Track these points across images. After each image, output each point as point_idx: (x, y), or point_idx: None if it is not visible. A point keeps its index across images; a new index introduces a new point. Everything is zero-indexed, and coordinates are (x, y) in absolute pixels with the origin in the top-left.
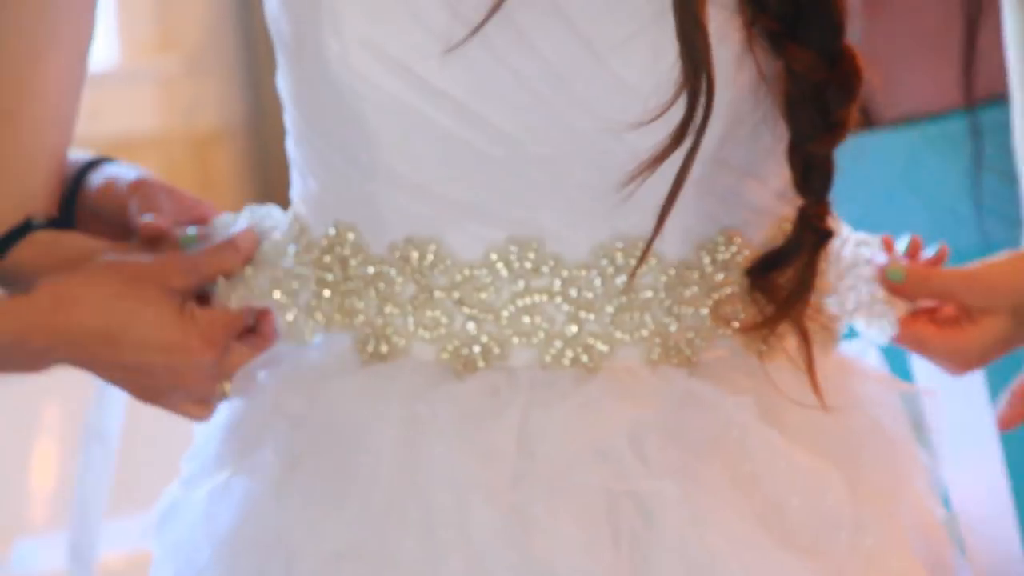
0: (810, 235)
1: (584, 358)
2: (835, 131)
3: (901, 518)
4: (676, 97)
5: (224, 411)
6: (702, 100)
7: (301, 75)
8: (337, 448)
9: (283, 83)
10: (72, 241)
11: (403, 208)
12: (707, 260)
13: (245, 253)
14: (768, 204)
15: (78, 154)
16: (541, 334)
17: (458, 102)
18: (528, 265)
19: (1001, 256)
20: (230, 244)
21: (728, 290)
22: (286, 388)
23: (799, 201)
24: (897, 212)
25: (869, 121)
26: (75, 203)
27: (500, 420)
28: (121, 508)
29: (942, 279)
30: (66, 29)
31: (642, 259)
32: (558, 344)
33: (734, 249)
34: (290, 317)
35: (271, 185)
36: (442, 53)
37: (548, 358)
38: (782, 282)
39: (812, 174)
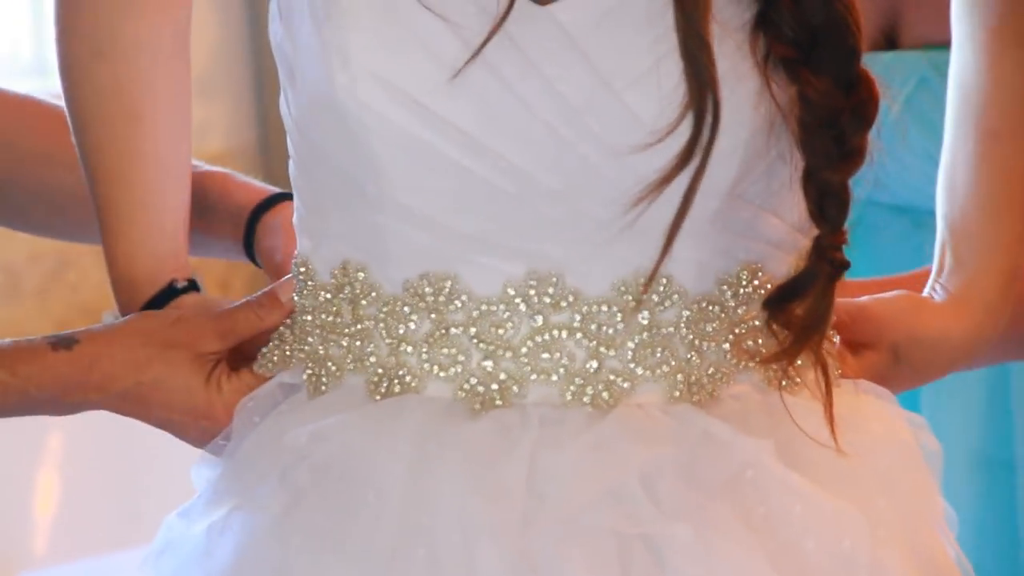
0: (826, 265)
1: (605, 395)
2: (851, 159)
3: (918, 559)
4: (682, 117)
5: (230, 447)
6: (708, 120)
7: (306, 104)
8: (341, 484)
9: (286, 109)
10: (215, 303)
11: (412, 241)
12: (728, 295)
13: (288, 308)
14: (786, 238)
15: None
16: (561, 371)
17: (467, 134)
18: (547, 300)
19: (892, 293)
20: (274, 300)
21: (749, 324)
22: (291, 423)
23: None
24: (896, 139)
25: (892, 43)
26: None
27: (509, 460)
28: (122, 541)
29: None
30: (162, 85)
31: (649, 282)
32: (578, 381)
33: (756, 283)
34: (309, 372)
35: None
36: (450, 83)
37: (568, 395)
38: (799, 313)
39: (827, 202)
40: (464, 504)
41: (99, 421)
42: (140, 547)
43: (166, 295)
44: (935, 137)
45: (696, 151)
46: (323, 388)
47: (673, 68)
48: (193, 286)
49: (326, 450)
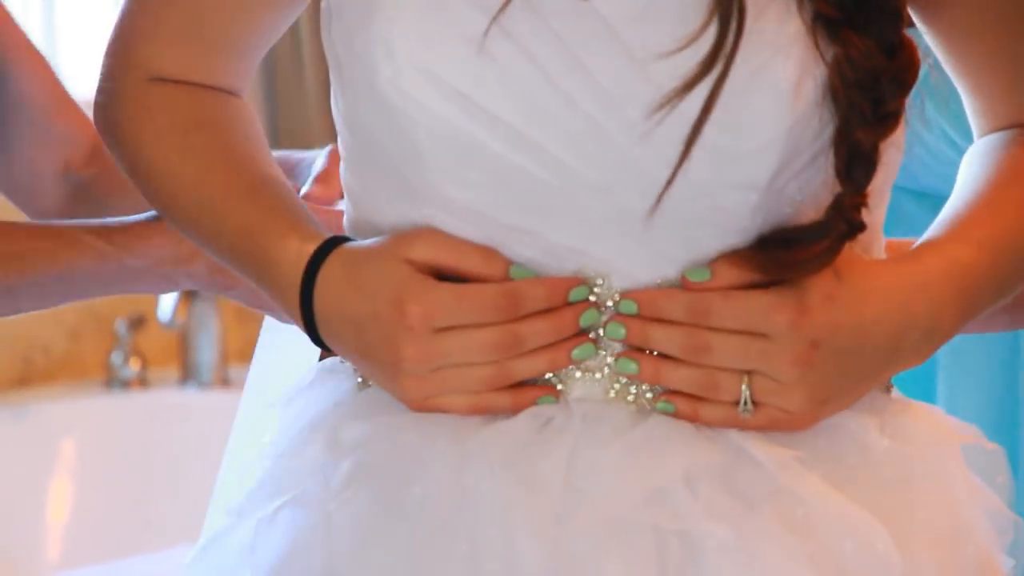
0: (842, 224)
1: (648, 395)
2: (886, 122)
3: (961, 567)
4: (708, 22)
5: (272, 442)
6: (733, 24)
7: (353, 99)
8: (386, 482)
9: (336, 108)
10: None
11: (458, 235)
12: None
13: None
14: None
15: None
16: (605, 369)
17: (509, 126)
18: (592, 299)
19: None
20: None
21: None
22: (337, 420)
23: (861, 237)
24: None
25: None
26: None
27: (550, 455)
28: (137, 547)
29: None
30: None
31: (668, 185)
32: (622, 380)
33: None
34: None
35: None
36: (493, 75)
37: (611, 394)
38: (797, 259)
39: (856, 163)
40: (504, 499)
41: (113, 427)
42: (154, 552)
43: (330, 243)
44: (952, 119)
45: (720, 57)
46: (371, 382)
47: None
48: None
49: (372, 448)
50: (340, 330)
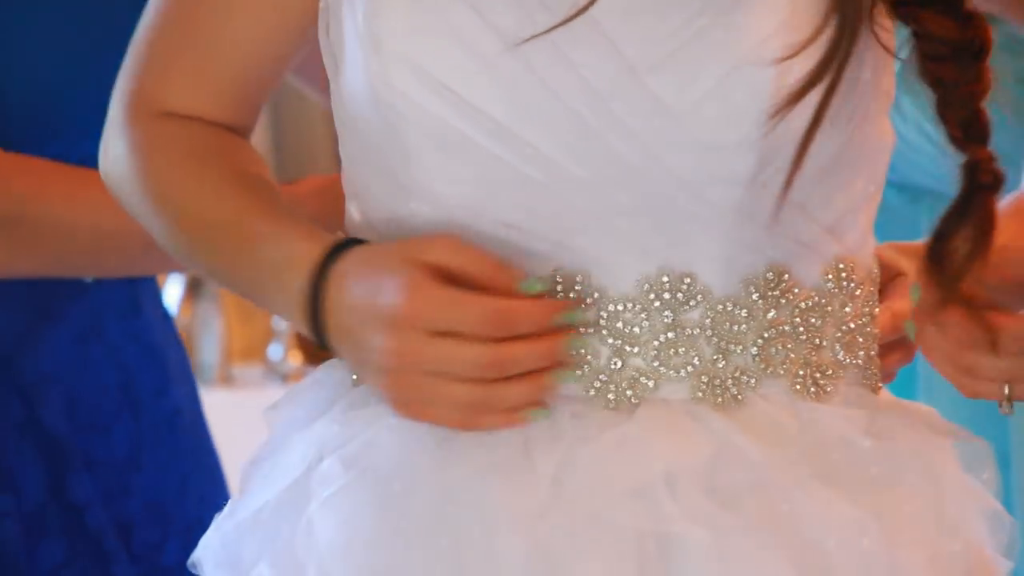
0: (988, 177)
1: (628, 392)
2: (980, 84)
3: (950, 565)
4: (825, 23)
5: (260, 443)
6: (848, 32)
7: (347, 96)
8: (370, 479)
9: (334, 106)
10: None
11: (443, 230)
12: (755, 296)
13: None
14: (817, 239)
15: None
16: (585, 368)
17: (496, 122)
18: (573, 297)
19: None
20: None
21: (779, 330)
22: (322, 420)
23: (849, 238)
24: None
25: None
26: None
27: (539, 453)
28: None
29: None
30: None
31: (796, 164)
32: (602, 378)
33: (783, 286)
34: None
35: None
36: (480, 71)
37: (592, 392)
38: (957, 244)
39: (972, 123)
40: (487, 495)
41: None
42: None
43: (340, 246)
44: (928, 112)
45: (833, 62)
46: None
47: (700, 56)
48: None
49: (356, 442)
50: (341, 321)
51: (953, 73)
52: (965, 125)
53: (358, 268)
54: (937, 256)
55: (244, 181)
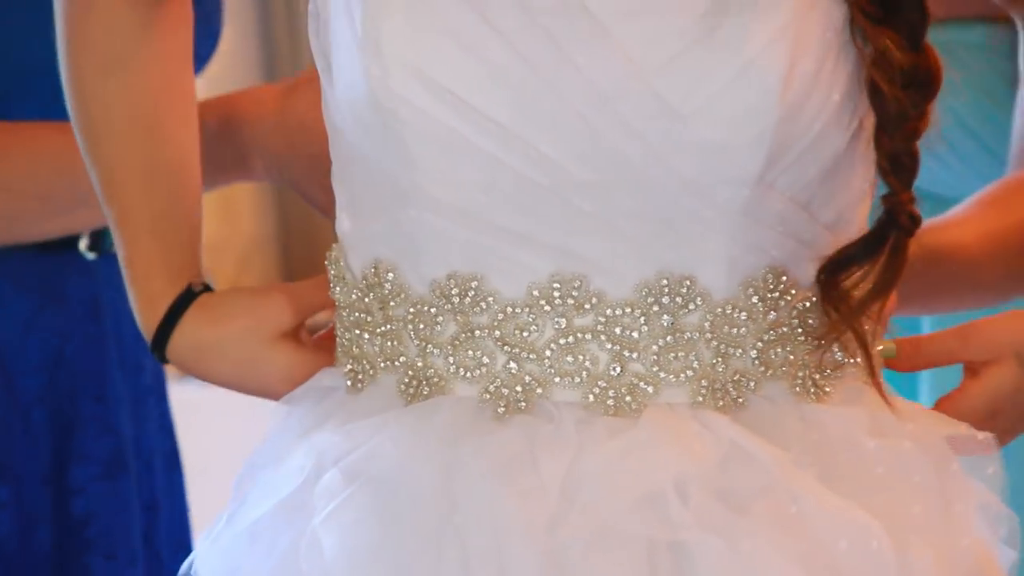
0: (905, 219)
1: (628, 399)
2: (921, 118)
3: (958, 565)
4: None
5: (257, 451)
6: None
7: (342, 100)
8: (375, 488)
9: (326, 112)
10: (236, 299)
11: (442, 235)
12: (755, 299)
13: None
14: (817, 237)
15: None
16: (584, 374)
17: (501, 125)
18: (571, 302)
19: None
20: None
21: (778, 332)
22: (323, 429)
23: (845, 235)
24: None
25: None
26: None
27: (544, 461)
28: None
29: (934, 342)
30: (175, 98)
31: None
32: (601, 384)
33: (781, 288)
34: (348, 368)
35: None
36: (483, 74)
37: (591, 398)
38: (851, 284)
39: (901, 159)
40: (496, 505)
41: None
42: None
43: (184, 300)
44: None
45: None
46: (360, 386)
47: (706, 59)
48: (207, 289)
49: (359, 453)
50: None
51: (901, 103)
52: (893, 158)
53: (203, 329)
54: (831, 284)
55: (145, 155)
